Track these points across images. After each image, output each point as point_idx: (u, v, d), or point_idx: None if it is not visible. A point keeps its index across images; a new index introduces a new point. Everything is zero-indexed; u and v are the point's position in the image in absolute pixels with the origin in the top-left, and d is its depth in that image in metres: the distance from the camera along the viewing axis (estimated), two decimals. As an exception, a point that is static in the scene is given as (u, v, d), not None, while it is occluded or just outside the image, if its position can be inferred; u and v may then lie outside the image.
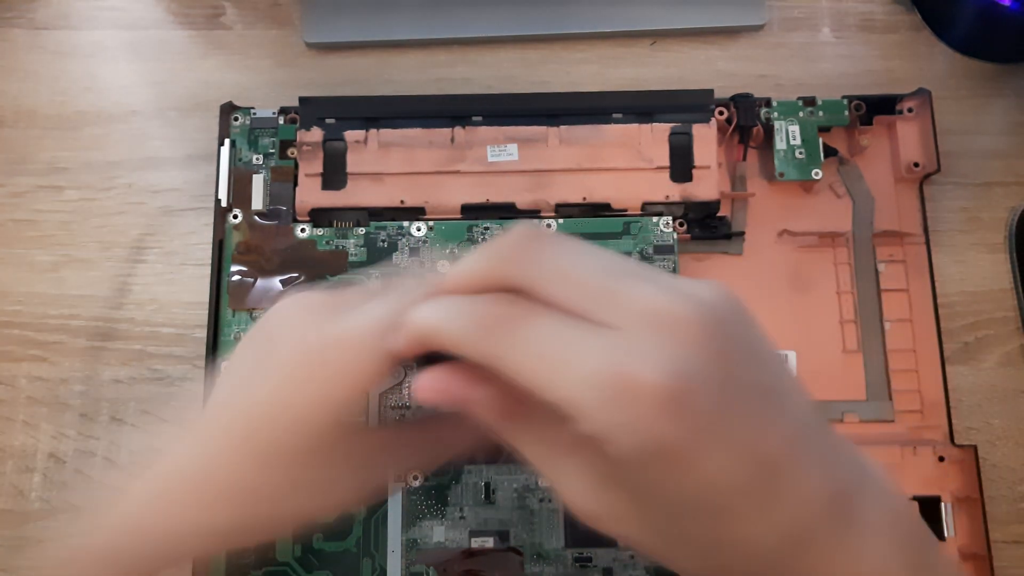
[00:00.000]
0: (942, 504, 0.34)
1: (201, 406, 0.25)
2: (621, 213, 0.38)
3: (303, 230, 0.37)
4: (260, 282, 0.37)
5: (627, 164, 0.38)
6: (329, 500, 0.25)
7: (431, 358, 0.21)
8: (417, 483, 0.34)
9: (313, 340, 0.23)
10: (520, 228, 0.20)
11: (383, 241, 0.37)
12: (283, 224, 0.37)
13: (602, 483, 0.20)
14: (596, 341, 0.18)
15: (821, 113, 0.39)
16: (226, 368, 0.25)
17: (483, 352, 0.19)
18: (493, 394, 0.20)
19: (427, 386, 0.21)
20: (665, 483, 0.19)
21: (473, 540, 0.34)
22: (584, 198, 0.38)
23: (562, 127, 0.38)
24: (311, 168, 0.38)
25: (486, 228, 0.37)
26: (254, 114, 0.39)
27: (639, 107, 0.38)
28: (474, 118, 0.38)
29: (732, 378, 0.18)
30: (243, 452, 0.23)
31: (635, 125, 0.38)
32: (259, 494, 0.23)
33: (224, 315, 0.36)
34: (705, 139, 0.38)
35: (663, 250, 0.37)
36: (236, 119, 0.39)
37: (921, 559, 0.21)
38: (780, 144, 0.38)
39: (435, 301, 0.21)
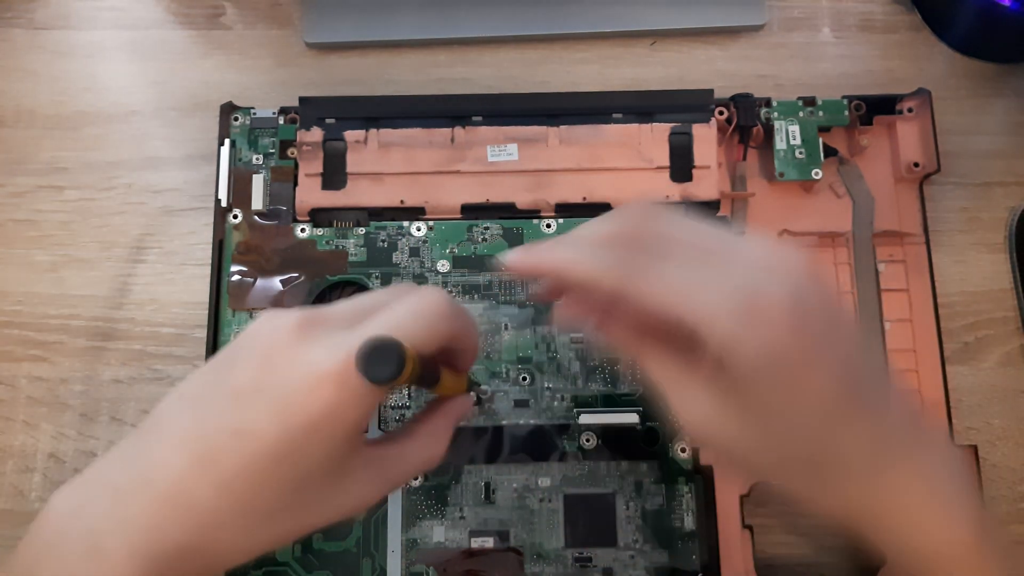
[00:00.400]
0: (942, 504, 0.34)
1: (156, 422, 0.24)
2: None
3: (303, 230, 0.37)
4: (260, 282, 0.37)
5: (627, 164, 0.38)
6: (302, 522, 0.24)
7: (425, 378, 0.24)
8: (417, 483, 0.34)
9: (281, 367, 0.22)
10: (637, 202, 0.24)
11: (383, 241, 0.37)
12: (283, 224, 0.37)
13: (720, 401, 0.23)
14: (727, 271, 0.22)
15: (821, 113, 0.39)
16: (189, 384, 0.24)
17: (623, 283, 0.22)
18: (629, 316, 0.23)
19: (579, 319, 0.24)
20: (779, 392, 0.22)
21: (473, 540, 0.34)
22: (584, 198, 0.38)
23: (562, 127, 0.38)
24: (311, 168, 0.38)
25: (486, 228, 0.37)
26: (254, 114, 0.39)
27: (639, 107, 0.38)
28: (474, 118, 0.38)
29: (833, 312, 0.23)
30: (201, 476, 0.22)
31: (635, 125, 0.38)
32: (218, 518, 0.22)
33: (224, 315, 0.36)
34: (705, 139, 0.38)
35: (663, 250, 0.37)
36: (236, 119, 0.39)
37: (973, 496, 0.24)
38: (780, 144, 0.38)
39: (572, 243, 0.24)
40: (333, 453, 0.23)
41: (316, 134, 0.38)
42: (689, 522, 0.34)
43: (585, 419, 0.35)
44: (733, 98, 0.39)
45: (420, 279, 0.37)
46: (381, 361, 0.21)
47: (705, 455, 0.35)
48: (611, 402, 0.35)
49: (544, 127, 0.38)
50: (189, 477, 0.22)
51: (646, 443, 0.35)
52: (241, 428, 0.22)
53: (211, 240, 0.37)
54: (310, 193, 0.37)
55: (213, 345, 0.36)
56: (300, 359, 0.22)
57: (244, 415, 0.22)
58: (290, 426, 0.22)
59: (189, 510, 0.22)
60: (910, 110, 0.39)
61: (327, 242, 0.37)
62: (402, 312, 0.23)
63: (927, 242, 0.38)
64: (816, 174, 0.38)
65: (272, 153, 0.38)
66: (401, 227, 0.37)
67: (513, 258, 0.24)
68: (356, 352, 0.21)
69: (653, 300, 0.22)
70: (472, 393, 0.29)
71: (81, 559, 0.22)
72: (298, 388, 0.22)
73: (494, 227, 0.37)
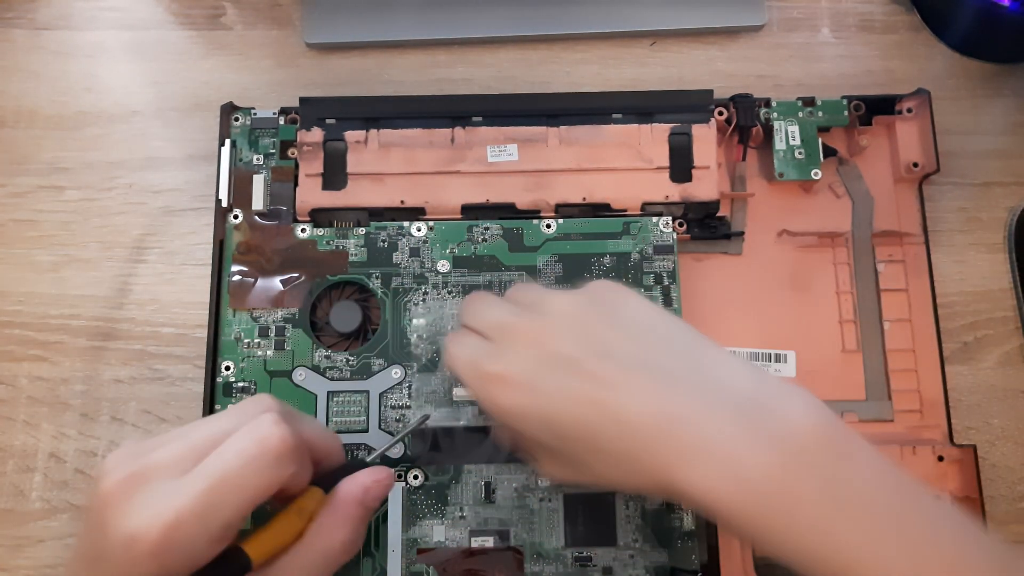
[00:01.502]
0: (941, 503, 0.34)
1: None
2: (621, 213, 0.38)
3: (303, 230, 0.37)
4: (260, 282, 0.37)
5: (627, 164, 0.38)
6: None
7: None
8: (417, 482, 0.34)
9: (108, 535, 0.22)
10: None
11: (383, 241, 0.37)
12: (283, 224, 0.37)
13: (546, 454, 0.29)
14: (473, 346, 0.29)
15: (820, 113, 0.39)
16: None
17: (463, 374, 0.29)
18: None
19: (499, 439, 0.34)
20: (525, 433, 0.28)
21: (473, 540, 0.34)
22: (584, 198, 0.38)
23: (562, 127, 0.38)
24: (311, 168, 0.38)
25: (486, 228, 0.37)
26: (254, 114, 0.39)
27: (639, 107, 0.38)
28: (474, 118, 0.38)
29: (552, 356, 0.27)
30: None
31: (635, 125, 0.38)
32: None
33: (225, 315, 0.36)
34: (705, 139, 0.38)
35: (662, 250, 0.37)
36: (237, 119, 0.39)
37: (787, 464, 0.24)
38: (779, 144, 0.38)
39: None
40: None
41: (316, 134, 0.38)
42: (688, 521, 0.34)
43: (585, 419, 0.35)
44: (733, 98, 0.39)
45: (420, 279, 0.37)
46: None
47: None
48: (611, 402, 0.35)
49: (544, 127, 0.38)
50: None
51: (646, 443, 0.35)
52: None
53: (212, 240, 0.37)
54: (310, 193, 0.38)
55: (213, 345, 0.36)
56: (119, 527, 0.21)
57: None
58: None
59: None
60: (909, 110, 0.39)
61: (327, 242, 0.37)
62: (232, 460, 0.23)
63: (926, 242, 0.38)
64: (815, 174, 0.38)
65: (273, 153, 0.38)
66: (401, 227, 0.37)
67: None
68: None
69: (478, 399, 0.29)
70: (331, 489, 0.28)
71: None
72: (119, 561, 0.21)
73: (494, 227, 0.37)
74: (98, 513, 0.22)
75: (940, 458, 0.35)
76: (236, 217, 0.37)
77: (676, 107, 0.38)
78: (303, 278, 0.37)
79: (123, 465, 0.23)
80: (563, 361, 0.27)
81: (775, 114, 0.39)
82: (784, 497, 0.23)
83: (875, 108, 0.39)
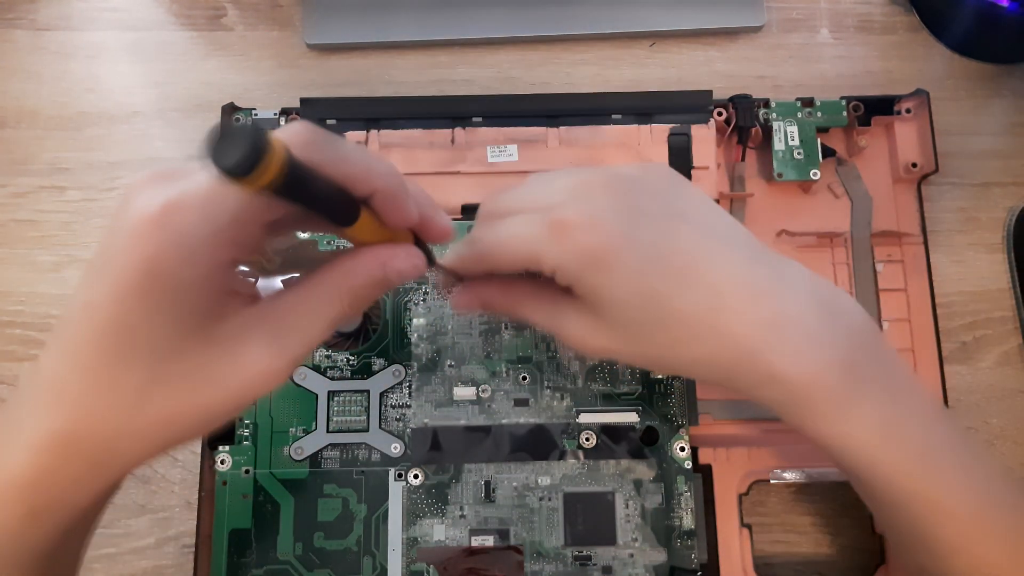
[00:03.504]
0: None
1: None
2: (620, 213, 0.38)
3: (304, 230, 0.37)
4: (261, 282, 0.37)
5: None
6: (187, 399, 0.21)
7: (325, 203, 0.21)
8: (418, 482, 0.34)
9: (114, 228, 0.21)
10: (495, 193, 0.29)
11: (384, 241, 0.37)
12: (284, 224, 0.37)
13: (583, 316, 0.26)
14: (539, 212, 0.26)
15: (819, 114, 0.39)
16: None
17: (477, 256, 0.28)
18: (500, 286, 0.29)
19: (464, 300, 0.29)
20: (603, 283, 0.25)
21: (473, 538, 0.34)
22: (584, 198, 0.38)
23: (562, 128, 0.38)
24: (312, 168, 0.38)
25: (486, 228, 0.37)
26: (255, 115, 0.39)
27: (638, 108, 0.38)
28: (474, 119, 0.38)
29: (635, 208, 0.26)
30: (60, 358, 0.21)
31: (634, 126, 0.38)
32: (84, 400, 0.21)
33: (225, 315, 0.36)
34: (704, 140, 0.38)
35: (662, 250, 0.37)
36: (237, 120, 0.39)
37: (856, 355, 0.25)
38: (778, 145, 0.38)
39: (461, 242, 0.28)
40: (185, 308, 0.21)
41: (317, 135, 0.38)
42: (688, 520, 0.34)
43: (584, 418, 0.35)
44: (732, 99, 0.39)
45: (420, 279, 0.37)
46: (234, 144, 0.16)
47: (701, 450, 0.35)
48: (610, 401, 0.35)
49: (544, 128, 0.38)
50: (54, 362, 0.21)
51: (645, 442, 0.35)
52: (87, 301, 0.21)
53: (212, 240, 0.37)
54: (311, 193, 0.38)
55: (214, 345, 0.36)
56: (124, 214, 0.20)
57: (90, 287, 0.21)
58: (118, 289, 0.20)
59: (55, 394, 0.21)
60: (908, 111, 0.39)
61: (328, 242, 0.37)
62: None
63: (925, 242, 0.39)
64: (814, 175, 0.38)
65: (273, 154, 0.38)
66: (401, 227, 0.37)
67: (457, 298, 0.30)
68: (205, 137, 0.17)
69: (495, 256, 0.27)
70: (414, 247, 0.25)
71: None
72: (119, 245, 0.20)
73: (494, 227, 0.37)
74: (116, 210, 0.21)
75: (939, 457, 0.35)
76: (237, 217, 0.37)
77: (675, 108, 0.38)
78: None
79: (152, 171, 0.21)
80: (648, 215, 0.26)
81: (774, 115, 0.39)
82: (854, 383, 0.25)
83: (874, 109, 0.39)
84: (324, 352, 0.36)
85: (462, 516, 0.34)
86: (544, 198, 0.26)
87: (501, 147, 0.38)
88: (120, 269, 0.20)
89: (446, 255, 0.29)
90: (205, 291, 0.21)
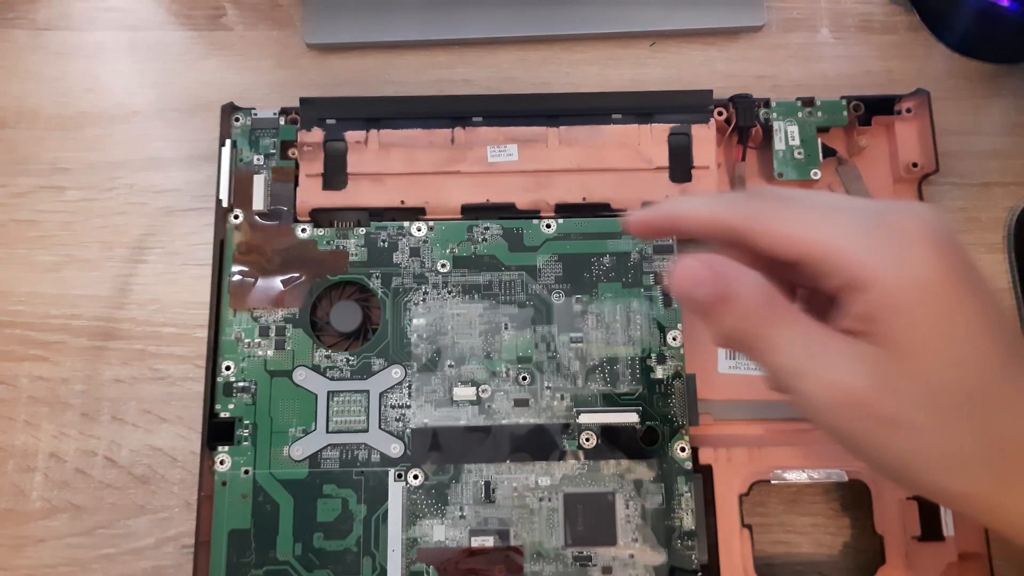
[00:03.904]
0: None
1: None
2: (621, 213, 0.38)
3: (304, 230, 0.37)
4: (261, 282, 0.37)
5: (627, 164, 0.38)
6: None
7: None
8: (418, 482, 0.34)
9: None
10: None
11: (383, 241, 0.37)
12: (284, 224, 0.37)
13: (860, 362, 0.19)
14: (852, 207, 0.20)
15: (820, 114, 0.39)
16: None
17: (747, 221, 0.21)
18: (757, 277, 0.20)
19: (686, 274, 0.21)
20: (927, 324, 0.19)
21: (473, 539, 0.34)
22: (584, 198, 0.38)
23: (562, 127, 0.38)
24: (312, 168, 0.38)
25: (486, 228, 0.37)
26: (255, 115, 0.39)
27: (638, 107, 0.38)
28: (474, 118, 0.38)
29: (965, 251, 0.20)
30: None
31: (634, 125, 0.38)
32: None
33: (225, 315, 0.36)
34: (704, 139, 0.38)
35: (663, 250, 0.37)
36: (237, 120, 0.39)
37: None
38: (779, 144, 0.38)
39: (691, 197, 0.24)
40: None
41: (317, 135, 0.38)
42: (689, 521, 0.34)
43: (585, 418, 0.35)
44: (732, 99, 0.39)
45: (420, 279, 0.37)
46: None
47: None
48: (611, 401, 0.35)
49: (544, 127, 0.38)
50: None
51: (646, 442, 0.35)
52: None
53: (212, 240, 0.37)
54: (311, 193, 0.38)
55: (214, 344, 0.36)
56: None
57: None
58: None
59: None
60: (908, 110, 0.39)
61: (328, 242, 0.37)
62: None
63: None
64: (815, 174, 0.38)
65: (273, 154, 0.38)
66: (401, 227, 0.37)
67: (634, 219, 0.23)
68: None
69: (778, 235, 0.20)
70: None
71: None
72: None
73: (494, 227, 0.37)
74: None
75: (940, 458, 0.35)
76: (236, 217, 0.38)
77: (676, 107, 0.38)
78: (303, 278, 0.37)
79: None
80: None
81: (774, 114, 0.39)
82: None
83: (874, 108, 0.39)
84: (324, 352, 0.36)
85: (462, 516, 0.34)
86: (862, 201, 0.21)
87: (501, 147, 0.38)
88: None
89: (685, 200, 0.24)
90: None
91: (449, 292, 0.37)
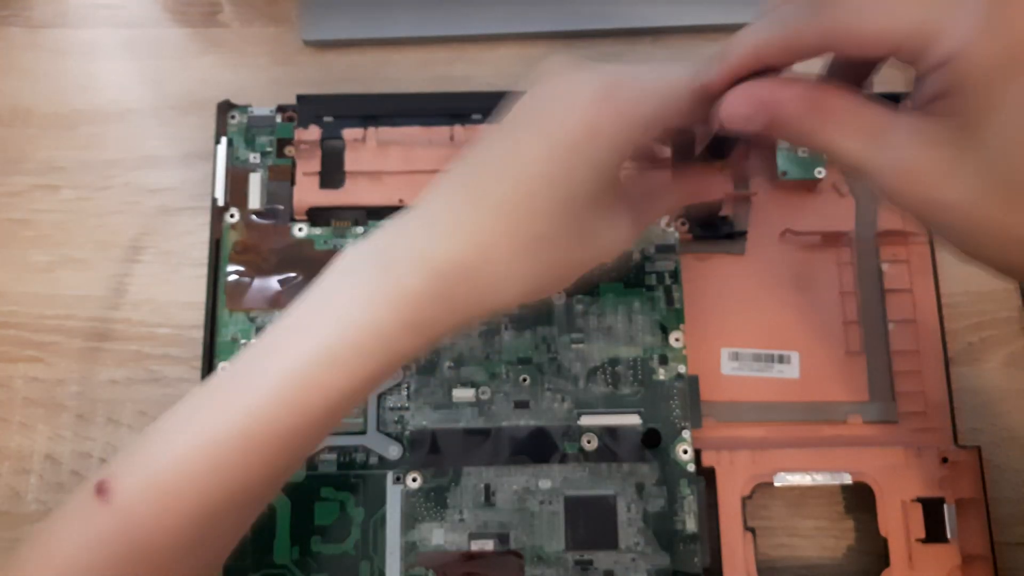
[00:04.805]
0: (945, 506, 0.34)
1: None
2: (622, 212, 0.37)
3: (301, 229, 0.37)
4: (257, 282, 0.36)
5: (628, 163, 0.37)
6: (569, 255, 0.25)
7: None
8: (416, 485, 0.34)
9: (548, 96, 0.24)
10: None
11: (382, 241, 0.37)
12: (280, 223, 0.37)
13: (927, 139, 0.20)
14: None
15: (824, 111, 0.38)
16: (501, 131, 0.25)
17: (826, 21, 0.21)
18: (801, 90, 0.23)
19: (738, 100, 0.23)
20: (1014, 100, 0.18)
21: (473, 543, 0.33)
22: (584, 197, 0.37)
23: (562, 125, 0.38)
24: (309, 167, 0.37)
25: (486, 227, 0.37)
26: (251, 112, 0.38)
27: (640, 105, 0.38)
28: (473, 116, 0.38)
29: None
30: (473, 202, 0.24)
31: (636, 123, 0.38)
32: (490, 238, 0.24)
33: (221, 315, 0.36)
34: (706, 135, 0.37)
35: (665, 250, 0.37)
36: (233, 117, 0.38)
37: None
38: (782, 143, 0.38)
39: (753, 25, 0.25)
40: (596, 177, 0.23)
41: (314, 132, 0.38)
42: (691, 524, 0.33)
43: (586, 420, 0.35)
44: (735, 96, 0.38)
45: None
46: None
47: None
48: (612, 403, 0.35)
49: (544, 125, 0.38)
50: (459, 202, 0.24)
51: (647, 444, 0.34)
52: (511, 151, 0.24)
53: (208, 240, 0.37)
54: (308, 192, 0.37)
55: (210, 345, 0.36)
56: (564, 85, 0.24)
57: (514, 142, 0.24)
58: (554, 145, 0.23)
59: (464, 230, 0.24)
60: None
61: (325, 241, 0.37)
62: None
63: (931, 242, 0.38)
64: (819, 173, 0.38)
65: (269, 152, 0.38)
66: (400, 227, 0.37)
67: (711, 73, 0.24)
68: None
69: (864, 25, 0.21)
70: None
71: (373, 275, 0.24)
72: (561, 110, 0.23)
73: (494, 226, 0.37)
74: (546, 86, 0.25)
75: (944, 460, 0.35)
76: (232, 216, 0.37)
77: (678, 105, 0.38)
78: (300, 278, 0.36)
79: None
80: None
81: (778, 112, 0.38)
82: None
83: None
84: (321, 353, 0.35)
85: (461, 520, 0.34)
86: None
87: (501, 145, 0.37)
88: (560, 129, 0.23)
89: (751, 30, 0.25)
90: (618, 165, 0.24)
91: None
